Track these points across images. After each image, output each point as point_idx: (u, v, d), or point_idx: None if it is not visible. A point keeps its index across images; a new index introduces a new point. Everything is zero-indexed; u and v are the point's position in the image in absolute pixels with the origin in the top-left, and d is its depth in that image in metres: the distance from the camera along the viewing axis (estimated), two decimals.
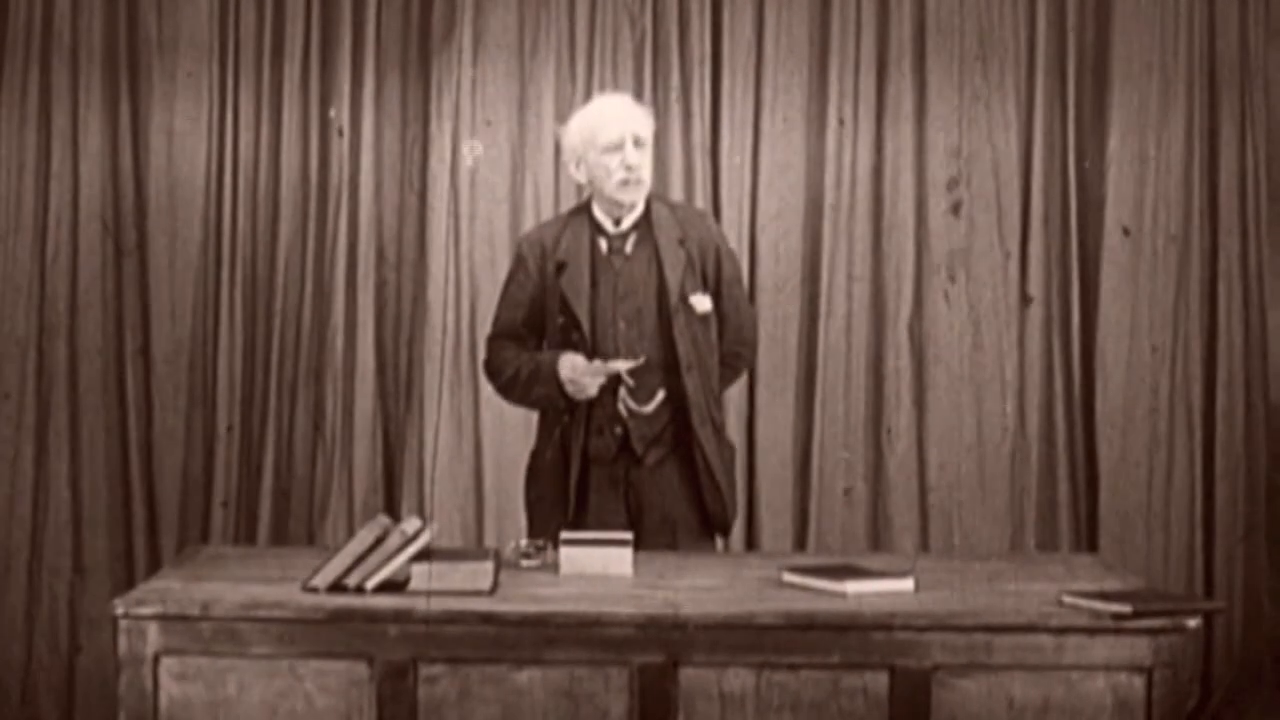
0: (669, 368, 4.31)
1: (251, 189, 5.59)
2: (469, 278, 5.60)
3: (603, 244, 4.38)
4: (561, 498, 4.34)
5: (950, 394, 5.61)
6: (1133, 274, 5.61)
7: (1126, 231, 5.61)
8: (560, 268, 4.35)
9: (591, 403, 4.30)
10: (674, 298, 4.30)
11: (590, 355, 4.27)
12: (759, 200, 5.60)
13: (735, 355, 4.51)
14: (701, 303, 4.35)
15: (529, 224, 5.58)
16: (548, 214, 5.57)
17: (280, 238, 5.60)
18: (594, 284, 4.34)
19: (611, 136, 4.30)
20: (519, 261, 4.45)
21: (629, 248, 4.37)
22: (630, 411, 4.32)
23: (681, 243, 4.35)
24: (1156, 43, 5.58)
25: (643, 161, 4.31)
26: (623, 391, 4.31)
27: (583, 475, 4.34)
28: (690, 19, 5.57)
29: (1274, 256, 5.60)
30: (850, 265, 5.61)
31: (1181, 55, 5.58)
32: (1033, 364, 5.61)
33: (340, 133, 5.59)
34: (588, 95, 5.55)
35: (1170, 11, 5.58)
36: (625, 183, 4.30)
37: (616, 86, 5.55)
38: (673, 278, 4.31)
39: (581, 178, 4.41)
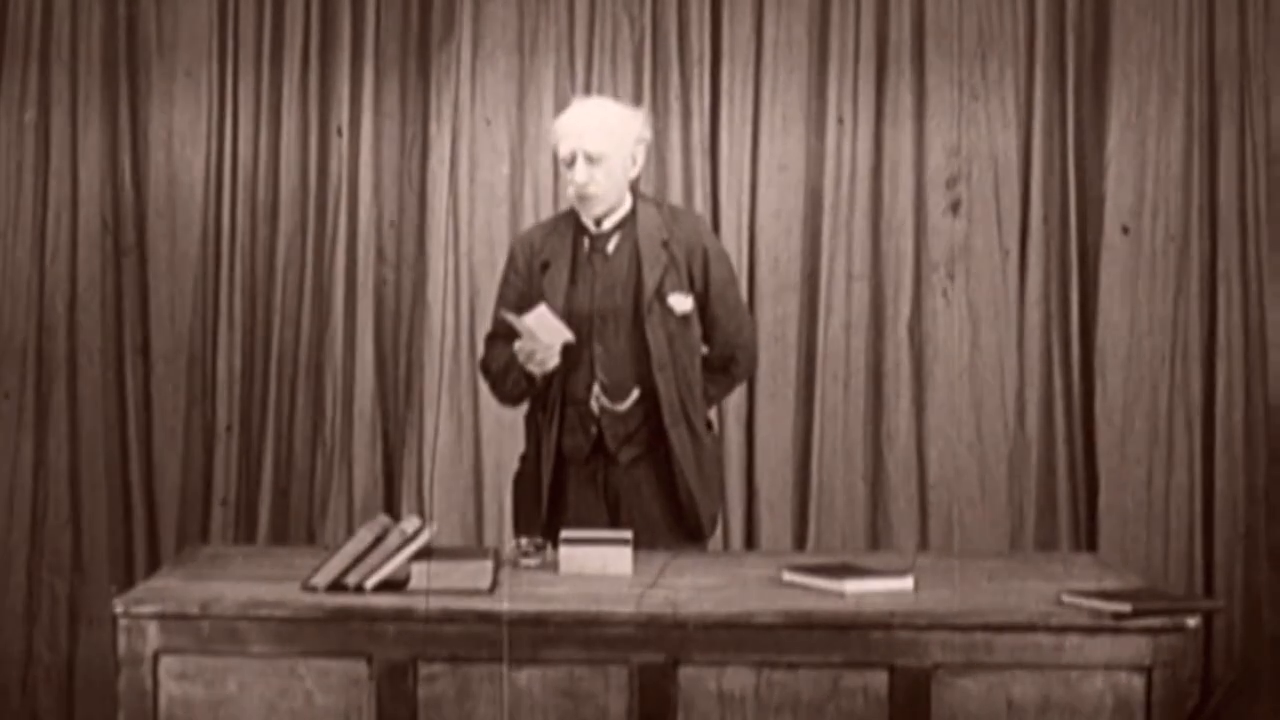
0: (643, 367, 4.32)
1: (251, 188, 5.58)
2: (468, 277, 5.60)
3: (585, 244, 4.40)
4: (537, 497, 4.37)
5: (949, 393, 5.60)
6: (1132, 273, 5.60)
7: (1126, 230, 5.61)
8: (545, 266, 4.39)
9: (565, 400, 4.33)
10: (648, 295, 4.31)
11: (563, 352, 4.28)
12: (758, 199, 5.59)
13: (729, 360, 4.50)
14: (681, 303, 4.35)
15: (529, 223, 5.58)
16: (547, 213, 5.56)
17: (279, 237, 5.60)
18: (574, 282, 4.36)
19: (563, 153, 4.35)
20: (510, 260, 4.51)
21: (610, 247, 4.39)
22: (603, 409, 4.33)
23: (665, 244, 4.36)
24: (1156, 41, 5.58)
25: (592, 176, 4.31)
26: (596, 389, 4.32)
27: (560, 475, 4.37)
28: (689, 18, 5.57)
29: (1273, 255, 5.60)
30: (849, 264, 5.61)
31: (1181, 53, 5.58)
32: (1032, 363, 5.61)
33: (339, 132, 5.59)
34: (587, 95, 5.56)
35: (1169, 10, 5.57)
36: (577, 197, 4.35)
37: (615, 85, 5.56)
38: (650, 277, 4.32)
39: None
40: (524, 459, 4.50)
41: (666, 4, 5.58)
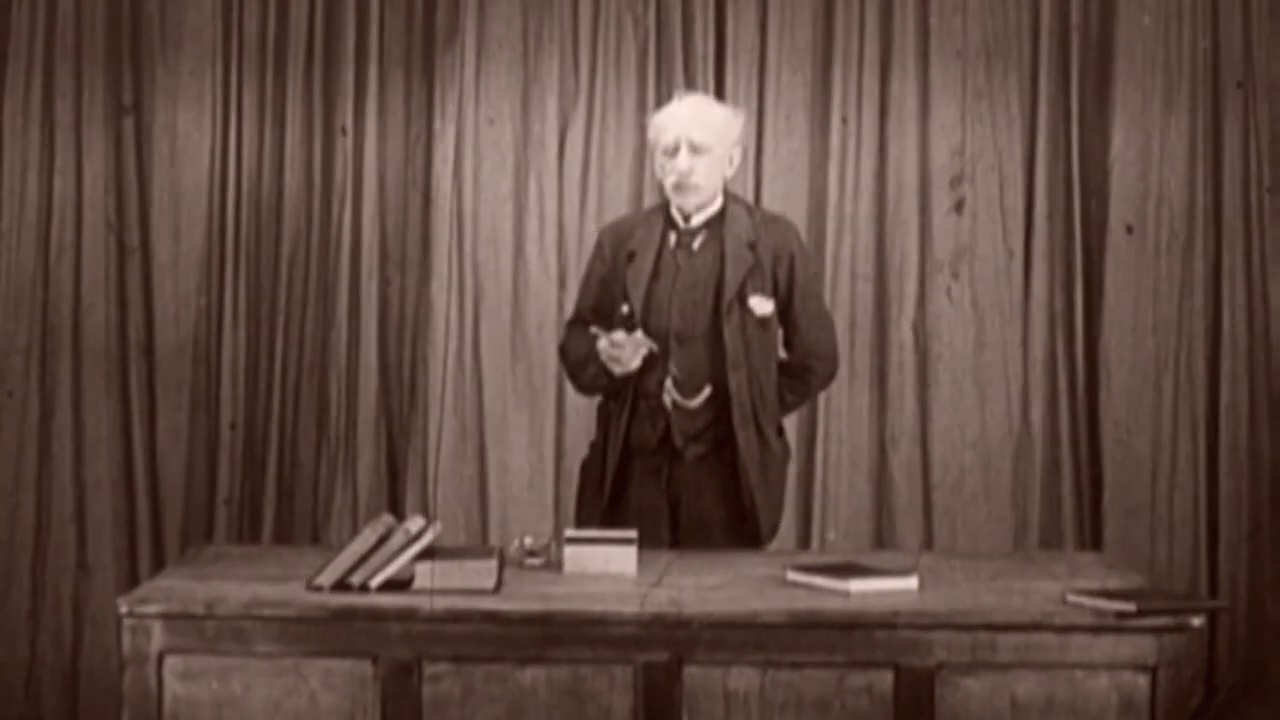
0: (718, 365, 4.33)
1: (255, 188, 5.59)
2: (472, 277, 5.60)
3: (672, 238, 4.42)
4: (600, 485, 4.38)
5: (954, 392, 5.60)
6: (1136, 272, 5.60)
7: (1130, 229, 5.61)
8: (630, 257, 4.40)
9: (637, 393, 4.34)
10: (729, 295, 4.32)
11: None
12: (762, 199, 5.59)
13: (806, 368, 4.50)
14: (761, 305, 4.35)
15: (531, 223, 5.60)
16: (551, 214, 5.59)
17: (284, 236, 5.60)
18: (656, 275, 4.38)
19: (667, 141, 4.36)
20: (597, 248, 4.54)
21: (697, 244, 4.40)
22: (675, 404, 4.33)
23: (752, 246, 4.37)
24: (1160, 40, 5.58)
25: (695, 167, 4.32)
26: (669, 383, 4.33)
27: (625, 465, 4.38)
28: (694, 18, 5.57)
29: (1278, 254, 5.60)
30: (854, 264, 5.61)
31: (1185, 52, 5.58)
32: (1036, 362, 5.61)
33: (344, 131, 5.59)
34: (591, 94, 5.58)
35: (1174, 9, 5.57)
36: (676, 186, 4.36)
37: (619, 85, 5.58)
38: (732, 277, 4.33)
39: (658, 174, 4.47)
40: (593, 447, 4.52)
41: (671, 3, 5.58)
